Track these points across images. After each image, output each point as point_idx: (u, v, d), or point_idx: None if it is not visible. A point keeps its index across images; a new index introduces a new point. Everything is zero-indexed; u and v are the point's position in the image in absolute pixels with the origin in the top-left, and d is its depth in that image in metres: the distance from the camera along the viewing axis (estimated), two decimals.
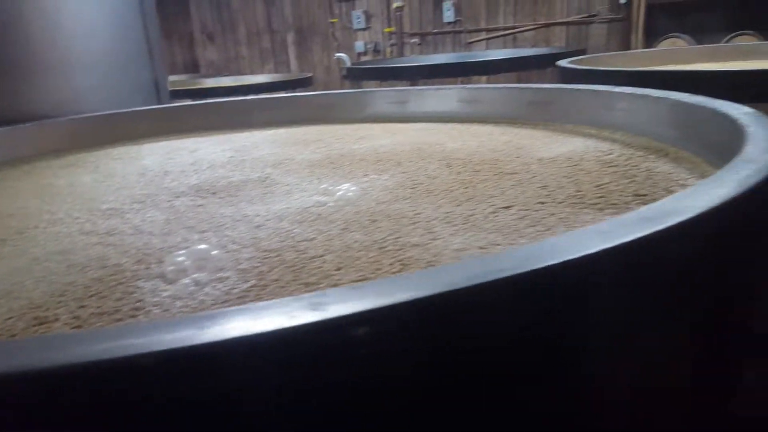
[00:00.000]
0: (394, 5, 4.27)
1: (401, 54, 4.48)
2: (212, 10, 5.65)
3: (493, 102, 1.18)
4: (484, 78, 2.60)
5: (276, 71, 5.25)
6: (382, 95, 1.29)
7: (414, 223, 0.54)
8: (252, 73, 5.21)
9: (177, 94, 3.43)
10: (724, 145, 0.61)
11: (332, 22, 4.90)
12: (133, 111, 1.23)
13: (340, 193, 0.65)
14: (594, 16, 3.98)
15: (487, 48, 4.39)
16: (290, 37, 5.23)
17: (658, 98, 0.79)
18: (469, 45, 4.45)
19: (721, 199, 0.29)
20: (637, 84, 1.30)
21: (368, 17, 4.80)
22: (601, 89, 0.95)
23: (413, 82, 2.60)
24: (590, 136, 0.93)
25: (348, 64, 3.14)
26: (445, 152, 0.88)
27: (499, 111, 1.16)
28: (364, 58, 4.83)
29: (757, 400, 0.42)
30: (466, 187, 0.67)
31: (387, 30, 4.58)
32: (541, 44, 4.32)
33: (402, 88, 1.28)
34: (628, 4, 3.74)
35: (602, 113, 0.94)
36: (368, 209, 0.59)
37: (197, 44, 5.93)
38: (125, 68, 1.39)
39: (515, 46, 4.35)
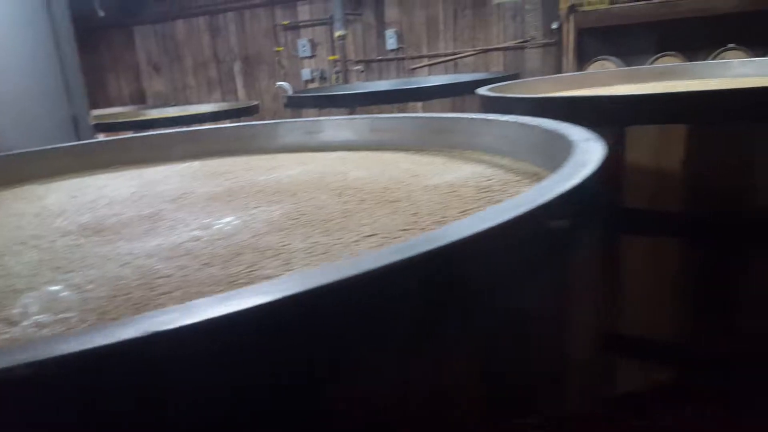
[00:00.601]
0: (337, 34, 4.35)
1: (346, 81, 4.56)
2: (157, 41, 5.62)
3: (403, 130, 1.22)
4: (419, 104, 2.67)
5: (224, 100, 5.25)
6: (300, 126, 1.32)
7: (277, 255, 0.56)
8: (200, 102, 5.18)
9: (118, 126, 3.38)
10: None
11: (278, 51, 4.96)
12: (43, 149, 1.23)
13: (219, 227, 0.67)
14: (527, 41, 4.17)
15: (430, 74, 4.52)
16: (237, 66, 5.26)
17: (533, 126, 0.85)
18: (412, 71, 4.57)
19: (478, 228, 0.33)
20: (540, 109, 1.37)
21: (314, 45, 4.87)
22: (491, 118, 1.01)
23: (351, 110, 2.66)
24: (482, 162, 0.98)
25: (289, 92, 3.18)
26: (345, 181, 0.92)
27: (409, 139, 1.21)
28: (311, 86, 4.89)
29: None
30: (344, 217, 0.70)
31: (331, 58, 4.67)
32: (481, 69, 4.47)
33: (318, 119, 1.32)
34: (560, 29, 3.93)
35: (493, 140, 0.99)
36: (239, 243, 0.61)
37: (143, 75, 5.88)
38: (40, 106, 1.38)
39: (456, 72, 4.50)
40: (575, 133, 0.69)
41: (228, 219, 0.71)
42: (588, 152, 0.55)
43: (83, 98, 1.59)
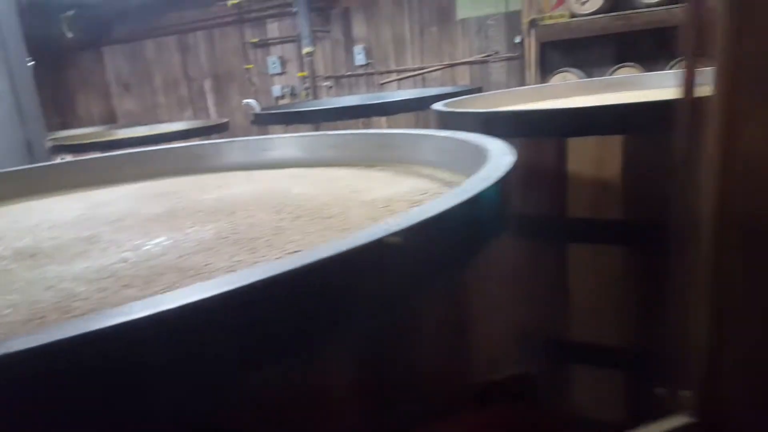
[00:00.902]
0: (305, 51, 4.40)
1: (316, 96, 4.60)
2: (127, 60, 5.60)
3: (353, 147, 1.25)
4: (384, 119, 2.71)
5: (195, 118, 5.24)
6: (252, 144, 1.33)
7: (197, 275, 0.58)
8: (171, 121, 5.15)
9: (83, 148, 3.34)
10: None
11: (248, 68, 4.98)
12: None
13: (148, 248, 0.69)
14: (490, 55, 4.27)
15: (399, 88, 4.58)
16: (207, 84, 5.26)
17: (463, 141, 0.88)
18: (381, 86, 4.63)
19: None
20: (487, 123, 1.42)
21: (284, 62, 4.91)
22: (429, 133, 1.04)
23: (316, 126, 2.68)
24: (423, 176, 1.01)
25: (257, 109, 3.20)
26: (286, 199, 0.93)
27: (358, 155, 1.24)
28: (282, 102, 4.91)
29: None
30: (274, 234, 0.71)
31: (300, 74, 4.71)
32: (448, 83, 4.55)
33: (270, 137, 1.34)
34: (522, 42, 4.03)
35: (434, 155, 1.02)
36: (164, 263, 0.62)
37: (113, 95, 5.84)
38: None
39: (425, 86, 4.57)
40: (495, 147, 0.72)
41: (160, 239, 0.72)
42: (493, 168, 0.58)
43: (39, 122, 1.58)
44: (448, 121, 1.64)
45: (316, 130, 2.71)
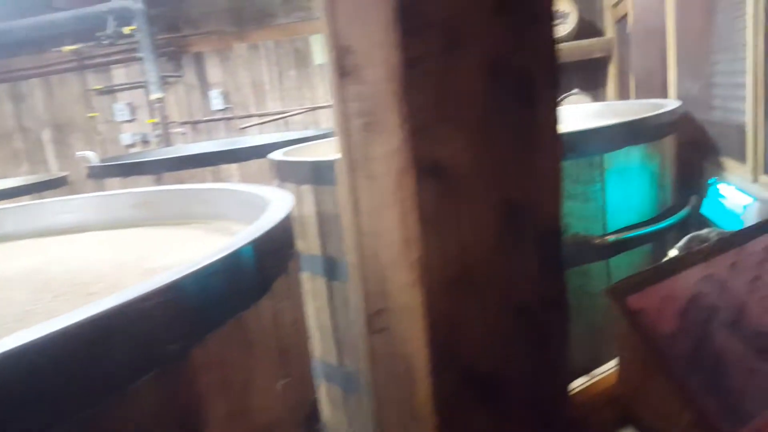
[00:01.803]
0: (152, 97, 4.18)
1: (169, 143, 4.37)
2: None
3: (166, 204, 1.17)
4: (234, 166, 2.63)
5: (33, 173, 4.72)
6: (50, 207, 1.20)
7: None
8: (4, 177, 4.60)
9: None
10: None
11: (92, 117, 4.62)
12: None
13: None
14: None
15: (261, 132, 4.51)
16: (46, 135, 4.78)
17: (261, 196, 0.85)
18: (242, 130, 4.53)
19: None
20: (313, 172, 1.41)
21: (133, 109, 4.62)
22: (235, 188, 1.00)
23: (158, 177, 2.53)
24: (230, 232, 0.96)
25: (94, 162, 2.95)
26: (59, 273, 0.83)
27: (173, 212, 1.16)
28: (133, 150, 4.61)
29: None
30: (19, 320, 0.62)
31: (149, 121, 4.46)
32: (311, 126, 4.58)
33: (71, 197, 1.21)
34: None
35: (242, 210, 0.98)
36: None
37: None
38: None
39: (288, 129, 4.54)
40: (278, 204, 0.70)
41: None
42: (246, 234, 0.55)
43: None
44: (279, 170, 1.62)
45: (158, 181, 2.54)
